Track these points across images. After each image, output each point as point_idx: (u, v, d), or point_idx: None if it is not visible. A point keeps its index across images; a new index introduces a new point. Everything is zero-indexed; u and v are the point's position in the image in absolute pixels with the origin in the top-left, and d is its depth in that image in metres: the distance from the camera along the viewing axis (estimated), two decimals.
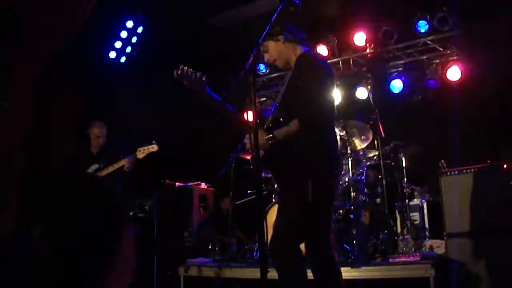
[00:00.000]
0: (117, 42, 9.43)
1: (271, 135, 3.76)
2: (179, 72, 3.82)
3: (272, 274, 3.82)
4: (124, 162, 6.27)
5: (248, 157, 6.30)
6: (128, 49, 9.56)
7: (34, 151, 7.60)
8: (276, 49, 4.07)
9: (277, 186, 5.67)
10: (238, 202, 7.74)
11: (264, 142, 3.72)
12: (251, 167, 4.17)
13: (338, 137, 6.86)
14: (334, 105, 3.95)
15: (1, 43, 7.27)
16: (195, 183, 8.70)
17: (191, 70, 3.84)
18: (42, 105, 7.93)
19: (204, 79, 3.88)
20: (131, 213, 7.73)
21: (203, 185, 8.83)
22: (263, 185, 7.31)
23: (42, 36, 7.51)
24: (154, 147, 6.33)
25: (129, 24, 9.38)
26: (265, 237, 4.42)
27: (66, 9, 7.59)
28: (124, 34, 9.42)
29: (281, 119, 3.93)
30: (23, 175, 7.30)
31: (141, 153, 6.29)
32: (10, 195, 7.10)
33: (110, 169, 6.25)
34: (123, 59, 9.57)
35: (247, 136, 3.90)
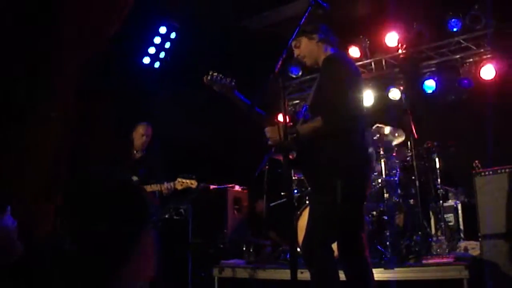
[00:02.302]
0: (150, 47, 9.55)
1: (294, 130, 3.79)
2: (209, 77, 3.97)
3: (304, 275, 3.86)
4: (163, 188, 6.40)
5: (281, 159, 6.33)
6: (162, 55, 9.68)
7: (72, 154, 7.76)
8: (308, 47, 4.13)
9: (309, 187, 5.69)
10: (272, 204, 7.77)
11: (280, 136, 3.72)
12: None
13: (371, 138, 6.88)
14: (363, 106, 3.99)
15: (41, 53, 7.46)
16: (229, 185, 8.75)
17: (220, 75, 3.95)
18: (79, 110, 8.09)
19: (233, 83, 3.97)
20: (166, 216, 7.82)
21: (237, 187, 8.88)
22: (297, 187, 7.34)
23: (78, 45, 7.67)
24: (193, 183, 6.44)
25: (162, 30, 9.49)
26: (296, 239, 4.49)
27: (101, 17, 7.73)
28: (157, 39, 9.55)
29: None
30: (66, 180, 7.47)
31: (180, 185, 6.41)
32: (50, 198, 7.28)
33: (148, 188, 6.37)
34: (157, 65, 9.70)
35: (267, 129, 3.90)
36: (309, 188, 6.87)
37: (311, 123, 3.82)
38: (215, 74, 3.96)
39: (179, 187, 6.40)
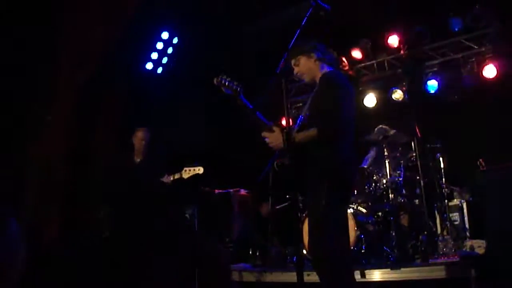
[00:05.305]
0: (153, 53, 9.58)
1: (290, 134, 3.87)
2: (218, 79, 4.15)
3: (311, 278, 3.87)
4: (167, 180, 6.41)
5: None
6: (164, 60, 9.71)
7: (75, 162, 7.79)
8: (307, 65, 4.29)
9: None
10: (278, 207, 7.77)
11: (281, 141, 3.87)
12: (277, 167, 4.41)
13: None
14: (352, 120, 4.12)
15: (42, 57, 7.51)
16: (234, 189, 8.77)
17: (228, 79, 4.14)
18: (83, 116, 8.12)
19: (239, 88, 4.13)
20: None
21: (242, 191, 8.88)
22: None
23: (81, 51, 7.71)
24: (200, 169, 6.44)
25: (164, 35, 9.52)
26: (302, 241, 4.53)
27: (103, 24, 7.77)
28: (160, 45, 9.57)
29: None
30: (65, 186, 7.50)
31: (187, 173, 6.42)
32: (53, 205, 7.32)
33: None
34: (159, 70, 9.72)
35: (266, 134, 4.07)
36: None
37: (307, 132, 3.98)
38: (224, 77, 4.13)
39: (185, 176, 6.41)
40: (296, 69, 4.33)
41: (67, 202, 7.54)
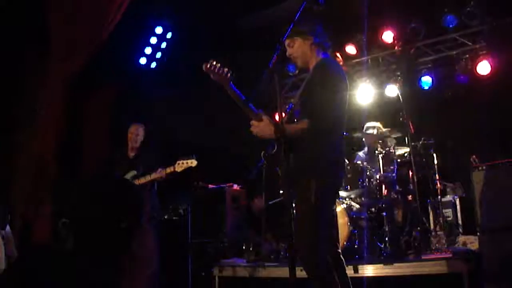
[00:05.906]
0: (147, 48, 9.56)
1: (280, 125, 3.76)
2: (208, 65, 3.97)
3: (304, 273, 3.87)
4: (161, 174, 6.35)
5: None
6: (158, 55, 9.69)
7: (67, 156, 7.76)
8: (302, 48, 4.12)
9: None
10: (270, 202, 7.77)
11: (270, 132, 3.77)
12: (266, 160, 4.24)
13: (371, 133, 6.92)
14: (344, 113, 4.01)
15: (33, 51, 7.47)
16: (227, 184, 8.76)
17: (219, 65, 3.97)
18: (75, 111, 8.09)
19: (229, 75, 4.00)
20: (165, 217, 7.82)
21: (235, 186, 8.88)
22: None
23: (73, 44, 7.67)
24: (193, 162, 6.37)
25: (158, 30, 9.50)
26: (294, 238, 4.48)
27: (96, 17, 7.74)
28: (153, 40, 9.55)
29: (295, 119, 4.05)
30: (56, 180, 7.46)
31: (180, 166, 6.34)
32: (44, 201, 7.28)
33: (148, 178, 6.34)
34: (153, 65, 9.70)
35: (254, 122, 3.91)
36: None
37: (298, 124, 3.90)
38: (215, 63, 3.97)
39: (179, 169, 6.34)
40: (289, 51, 4.15)
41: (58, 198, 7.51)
